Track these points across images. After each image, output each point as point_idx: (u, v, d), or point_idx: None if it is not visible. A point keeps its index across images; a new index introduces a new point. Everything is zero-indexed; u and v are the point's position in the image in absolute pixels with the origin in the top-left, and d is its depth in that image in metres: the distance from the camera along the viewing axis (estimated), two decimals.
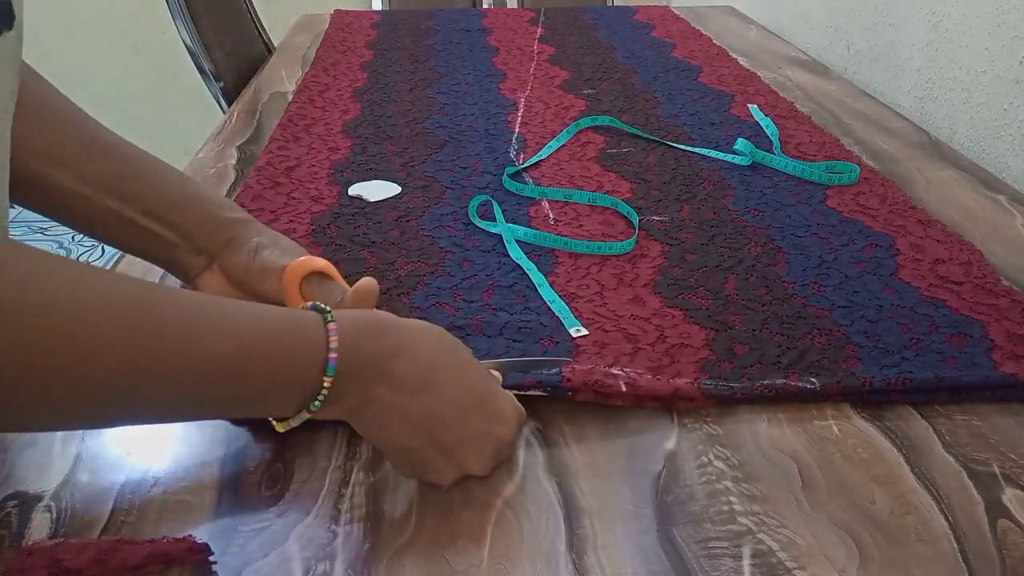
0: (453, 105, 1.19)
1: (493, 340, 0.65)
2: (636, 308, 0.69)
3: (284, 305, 0.59)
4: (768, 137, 1.05)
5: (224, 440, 0.56)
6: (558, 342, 0.65)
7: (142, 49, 2.61)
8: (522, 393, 0.57)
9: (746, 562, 0.47)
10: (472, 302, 0.70)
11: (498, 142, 1.05)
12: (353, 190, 0.91)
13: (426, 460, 0.50)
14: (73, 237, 2.50)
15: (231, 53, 1.55)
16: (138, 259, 0.64)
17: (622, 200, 0.87)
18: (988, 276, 0.74)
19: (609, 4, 2.06)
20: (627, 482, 0.53)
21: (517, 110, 1.17)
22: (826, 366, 0.62)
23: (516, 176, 0.95)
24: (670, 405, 0.59)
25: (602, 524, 0.49)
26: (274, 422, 0.49)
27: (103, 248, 2.44)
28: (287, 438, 0.53)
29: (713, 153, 1.01)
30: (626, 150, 1.03)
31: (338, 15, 1.76)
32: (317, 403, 0.46)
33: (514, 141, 1.06)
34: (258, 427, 0.56)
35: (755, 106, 1.16)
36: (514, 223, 0.83)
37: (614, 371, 0.59)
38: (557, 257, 0.77)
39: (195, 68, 1.48)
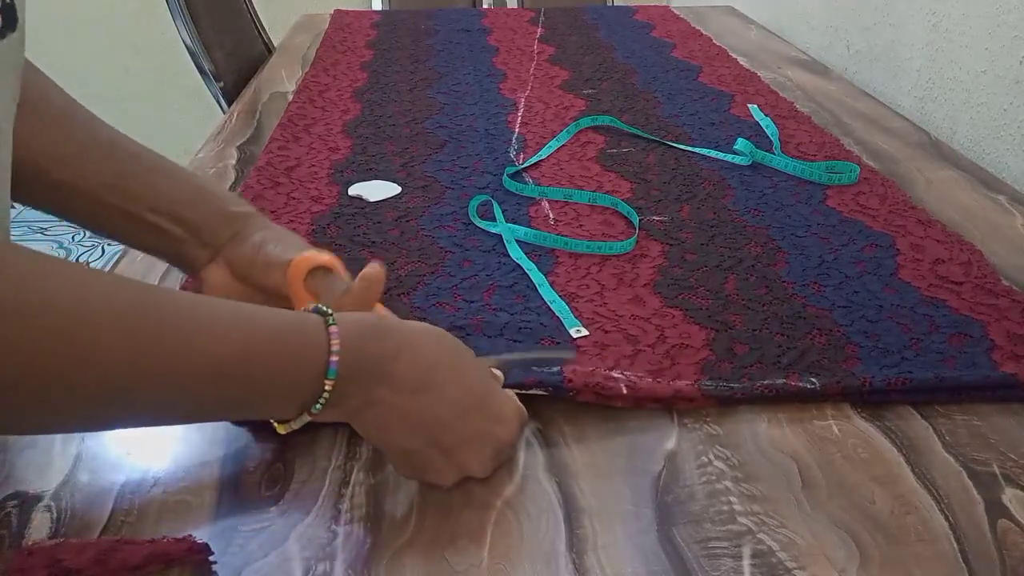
0: (453, 105, 1.19)
1: (493, 340, 0.65)
2: (636, 308, 0.69)
3: (288, 298, 0.59)
4: (768, 137, 1.05)
5: (224, 440, 0.56)
6: (558, 342, 0.65)
7: (142, 49, 2.61)
8: (524, 392, 0.57)
9: (746, 562, 0.47)
10: (472, 302, 0.70)
11: (498, 142, 1.05)
12: (353, 190, 0.91)
13: (426, 461, 0.50)
14: (73, 237, 2.50)
15: (231, 53, 1.55)
16: (138, 260, 0.64)
17: (622, 200, 0.87)
18: (988, 276, 0.74)
19: (609, 4, 2.06)
20: (627, 482, 0.53)
21: (517, 110, 1.18)
22: (826, 366, 0.62)
23: (516, 176, 0.95)
24: (670, 406, 0.59)
25: (602, 524, 0.49)
26: (275, 424, 0.49)
27: (103, 248, 2.44)
28: (287, 438, 0.53)
29: (713, 153, 1.01)
30: (626, 150, 1.03)
31: (338, 15, 1.76)
32: (318, 406, 0.46)
33: (514, 141, 1.06)
34: (258, 427, 0.56)
35: (755, 106, 1.16)
36: (514, 223, 0.83)
37: (615, 374, 0.59)
38: (557, 257, 0.77)
39: (195, 68, 1.48)
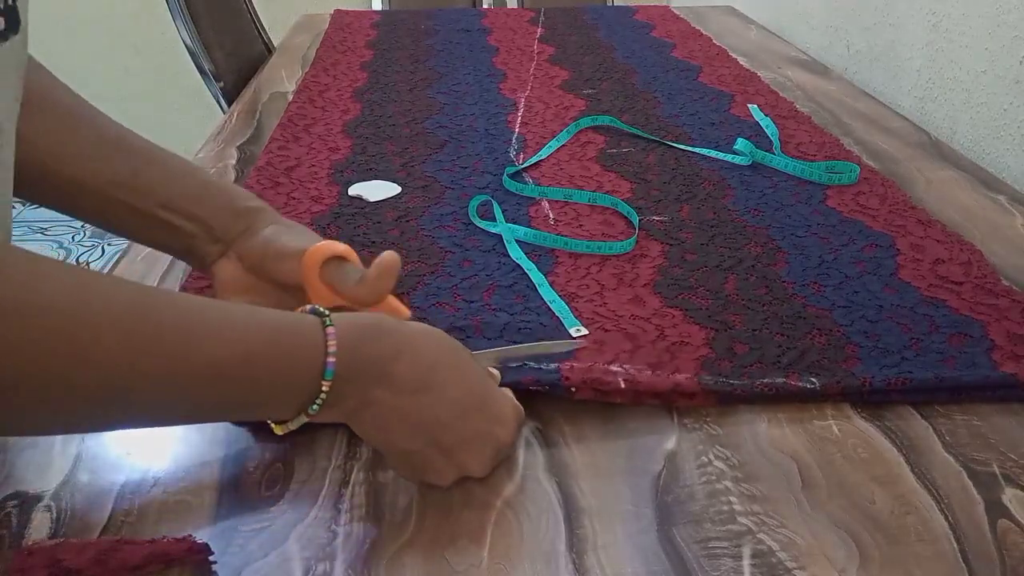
0: (453, 105, 1.19)
1: (493, 341, 0.65)
2: (636, 308, 0.69)
3: (302, 289, 0.59)
4: (768, 137, 1.05)
5: (224, 440, 0.56)
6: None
7: (142, 49, 2.62)
8: (523, 387, 0.57)
9: (746, 562, 0.47)
10: (472, 302, 0.70)
11: (498, 142, 1.05)
12: (353, 190, 0.91)
13: (426, 461, 0.50)
14: (73, 237, 2.50)
15: (231, 53, 1.55)
16: (138, 260, 0.64)
17: (622, 200, 0.87)
18: (988, 276, 0.74)
19: (609, 4, 2.06)
20: (627, 482, 0.53)
21: (517, 110, 1.18)
22: (826, 366, 0.62)
23: (516, 176, 0.95)
24: (670, 404, 0.59)
25: (602, 524, 0.49)
26: (272, 425, 0.49)
27: (103, 248, 2.44)
28: (287, 438, 0.53)
29: (713, 153, 1.01)
30: (626, 150, 1.03)
31: (338, 15, 1.76)
32: (315, 407, 0.46)
33: (514, 141, 1.06)
34: (258, 427, 0.56)
35: (755, 106, 1.16)
36: (514, 223, 0.83)
37: (613, 368, 0.59)
38: (557, 257, 0.77)
39: (195, 68, 1.48)
